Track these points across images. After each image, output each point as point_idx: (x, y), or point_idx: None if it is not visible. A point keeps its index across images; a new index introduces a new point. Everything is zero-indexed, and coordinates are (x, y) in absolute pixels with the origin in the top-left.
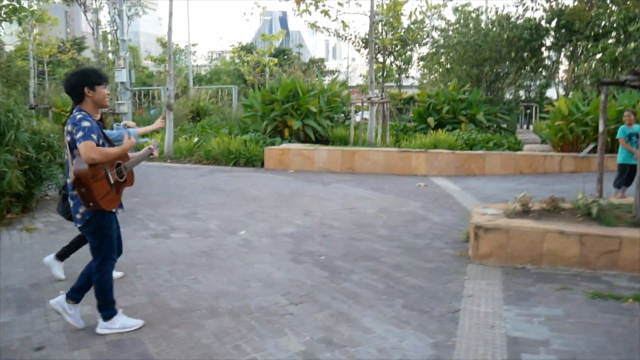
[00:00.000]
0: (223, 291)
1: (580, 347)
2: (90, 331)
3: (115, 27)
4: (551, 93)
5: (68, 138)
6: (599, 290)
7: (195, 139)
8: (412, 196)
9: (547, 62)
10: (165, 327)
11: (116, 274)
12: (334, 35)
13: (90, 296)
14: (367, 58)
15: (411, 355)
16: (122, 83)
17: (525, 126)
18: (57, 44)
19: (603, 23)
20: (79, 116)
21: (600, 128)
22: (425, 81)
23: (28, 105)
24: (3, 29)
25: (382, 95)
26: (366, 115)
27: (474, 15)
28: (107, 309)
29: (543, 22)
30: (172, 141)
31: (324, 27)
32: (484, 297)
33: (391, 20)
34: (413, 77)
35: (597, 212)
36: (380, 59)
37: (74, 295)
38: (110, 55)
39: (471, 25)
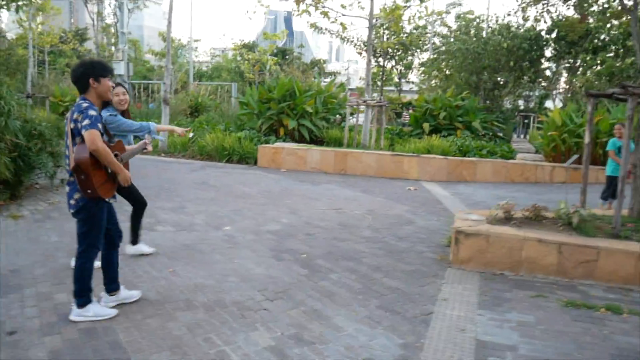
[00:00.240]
0: (201, 284)
1: (547, 353)
2: (64, 318)
3: (116, 20)
4: (551, 104)
5: (72, 125)
6: (573, 299)
7: (191, 135)
8: (401, 200)
9: (547, 73)
10: (139, 317)
11: (149, 249)
12: (336, 36)
13: (69, 282)
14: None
15: (379, 355)
16: (119, 75)
17: (522, 135)
18: (59, 34)
19: (603, 37)
20: (85, 104)
21: (586, 140)
22: (424, 86)
23: (25, 94)
24: (1, 16)
25: (380, 99)
26: (363, 117)
27: (475, 23)
28: (82, 297)
29: (543, 33)
30: (167, 135)
31: (325, 29)
32: (459, 301)
33: (390, 24)
34: (413, 83)
35: (578, 222)
36: (381, 63)
37: (112, 287)
38: (113, 47)
39: (472, 32)
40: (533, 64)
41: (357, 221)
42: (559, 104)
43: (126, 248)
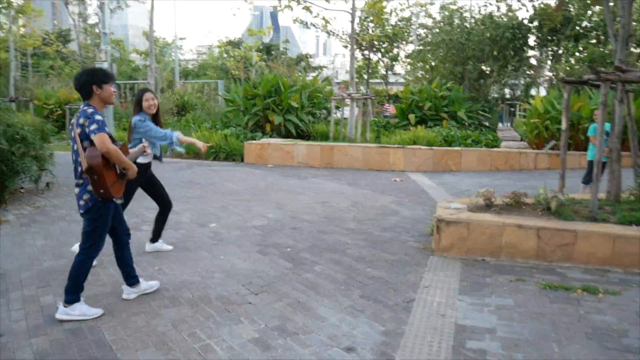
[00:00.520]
0: (186, 281)
1: (524, 334)
2: (50, 320)
3: (98, 20)
4: (536, 92)
5: (78, 130)
6: (551, 282)
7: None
8: (387, 191)
9: (532, 61)
10: (125, 316)
11: (167, 247)
12: (322, 30)
13: (54, 284)
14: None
15: (360, 342)
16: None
17: (508, 124)
18: (41, 36)
19: (584, 24)
20: (90, 110)
21: (563, 126)
22: (410, 78)
23: (8, 98)
24: None
25: (367, 92)
26: (348, 110)
27: (458, 13)
28: (73, 294)
29: (525, 22)
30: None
31: (310, 23)
32: (440, 287)
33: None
34: (399, 75)
35: (557, 207)
36: (367, 56)
37: (132, 281)
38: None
39: (455, 23)
40: (517, 52)
41: (342, 213)
42: (543, 91)
43: (146, 246)
